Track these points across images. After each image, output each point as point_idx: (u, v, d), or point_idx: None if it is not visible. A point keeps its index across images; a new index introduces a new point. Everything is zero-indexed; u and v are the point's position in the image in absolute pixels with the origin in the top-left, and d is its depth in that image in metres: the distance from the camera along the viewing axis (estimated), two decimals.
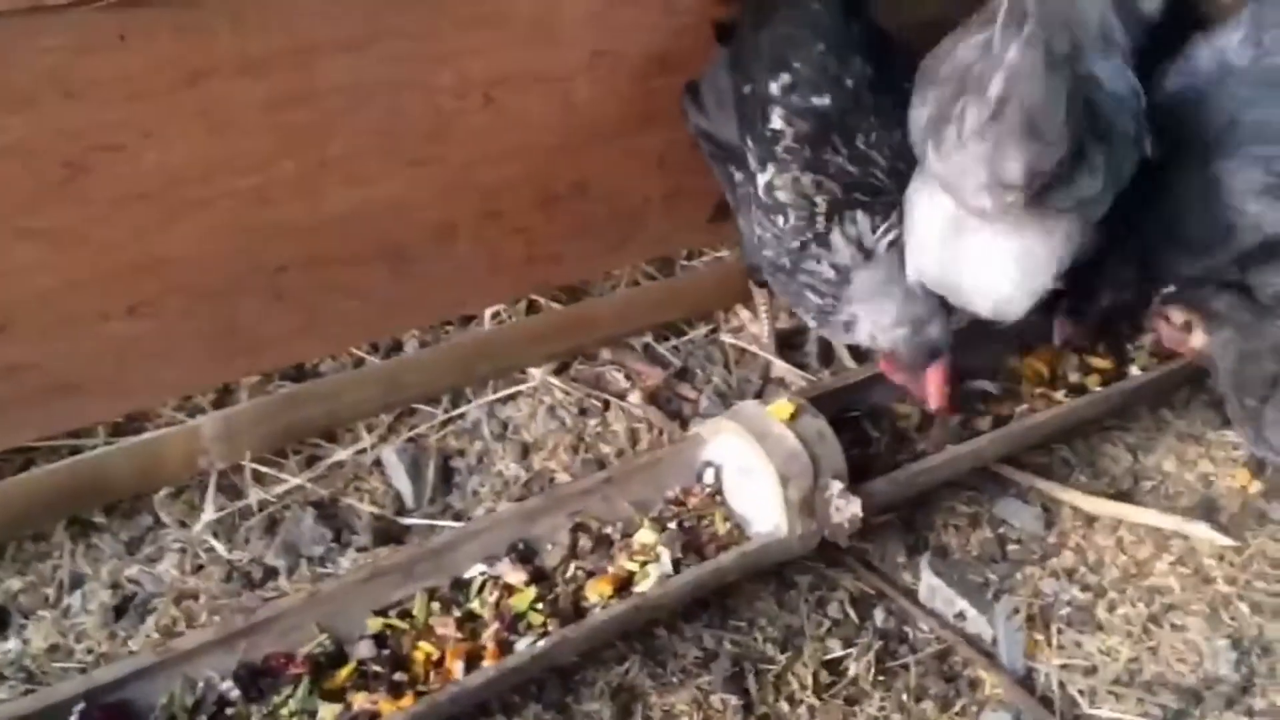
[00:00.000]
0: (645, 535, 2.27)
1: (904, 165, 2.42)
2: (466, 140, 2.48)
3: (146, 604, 2.32)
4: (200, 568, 2.40)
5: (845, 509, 2.22)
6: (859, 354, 2.93)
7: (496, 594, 2.12)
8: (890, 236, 2.41)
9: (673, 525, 2.30)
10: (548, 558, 2.23)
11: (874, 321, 2.43)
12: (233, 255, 2.31)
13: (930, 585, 2.44)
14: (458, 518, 2.61)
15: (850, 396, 2.57)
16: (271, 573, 2.44)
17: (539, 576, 2.19)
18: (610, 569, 2.19)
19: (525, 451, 2.79)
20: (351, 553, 2.49)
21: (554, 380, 2.93)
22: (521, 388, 2.91)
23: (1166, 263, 2.51)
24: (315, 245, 2.40)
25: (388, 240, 2.50)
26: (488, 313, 3.00)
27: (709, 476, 2.39)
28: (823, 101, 2.44)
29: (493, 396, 2.89)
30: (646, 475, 2.32)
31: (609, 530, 2.29)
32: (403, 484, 2.66)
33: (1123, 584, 2.52)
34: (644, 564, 2.20)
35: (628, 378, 2.98)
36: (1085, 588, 2.51)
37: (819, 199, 2.43)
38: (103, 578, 2.37)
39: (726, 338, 3.15)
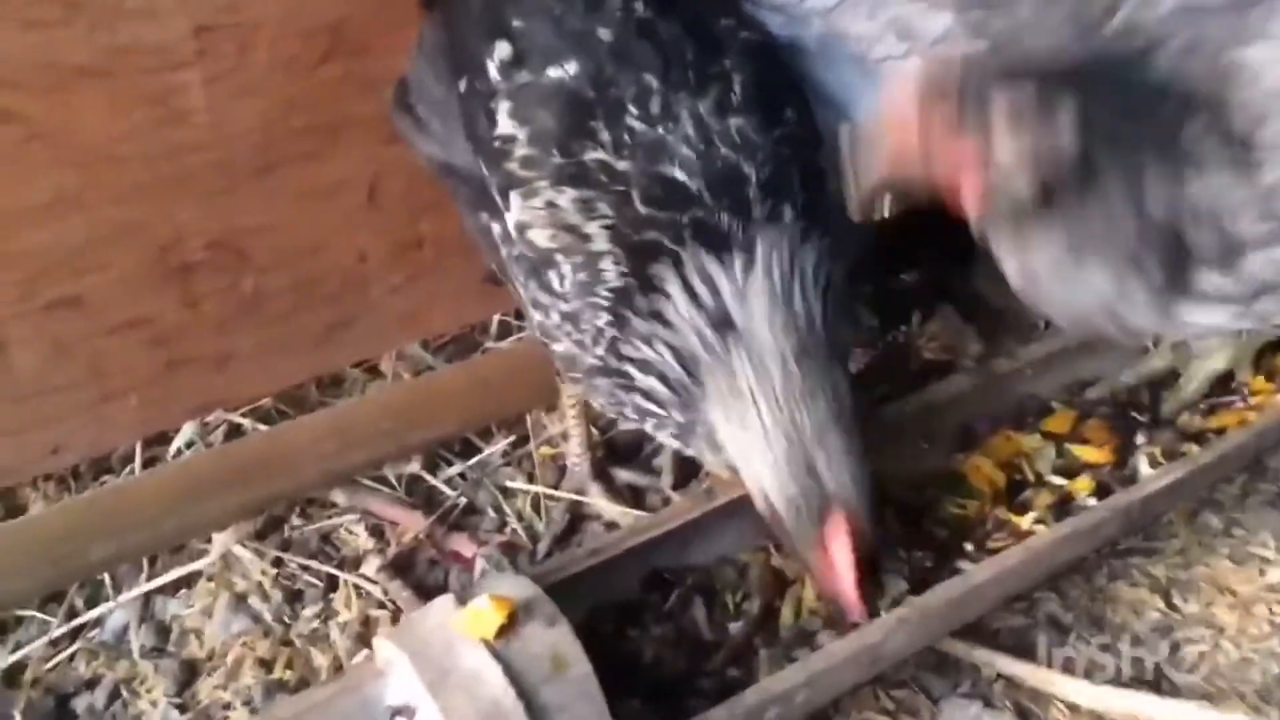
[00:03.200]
0: None
1: (729, 150, 1.42)
2: None
3: None
4: None
5: None
6: None
7: None
8: (758, 283, 1.39)
9: None
10: None
11: (737, 446, 1.40)
12: None
13: None
14: None
15: (656, 556, 1.51)
16: None
17: None
18: None
19: (191, 674, 1.75)
20: None
21: (245, 551, 1.89)
22: (197, 566, 1.88)
23: None
24: None
25: None
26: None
27: None
28: (564, 71, 1.45)
29: (148, 585, 1.85)
30: None
31: None
32: None
33: None
34: None
35: (373, 533, 1.94)
36: None
37: (592, 228, 1.41)
38: None
39: (545, 451, 2.11)
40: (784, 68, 1.61)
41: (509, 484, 2.05)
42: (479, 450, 2.11)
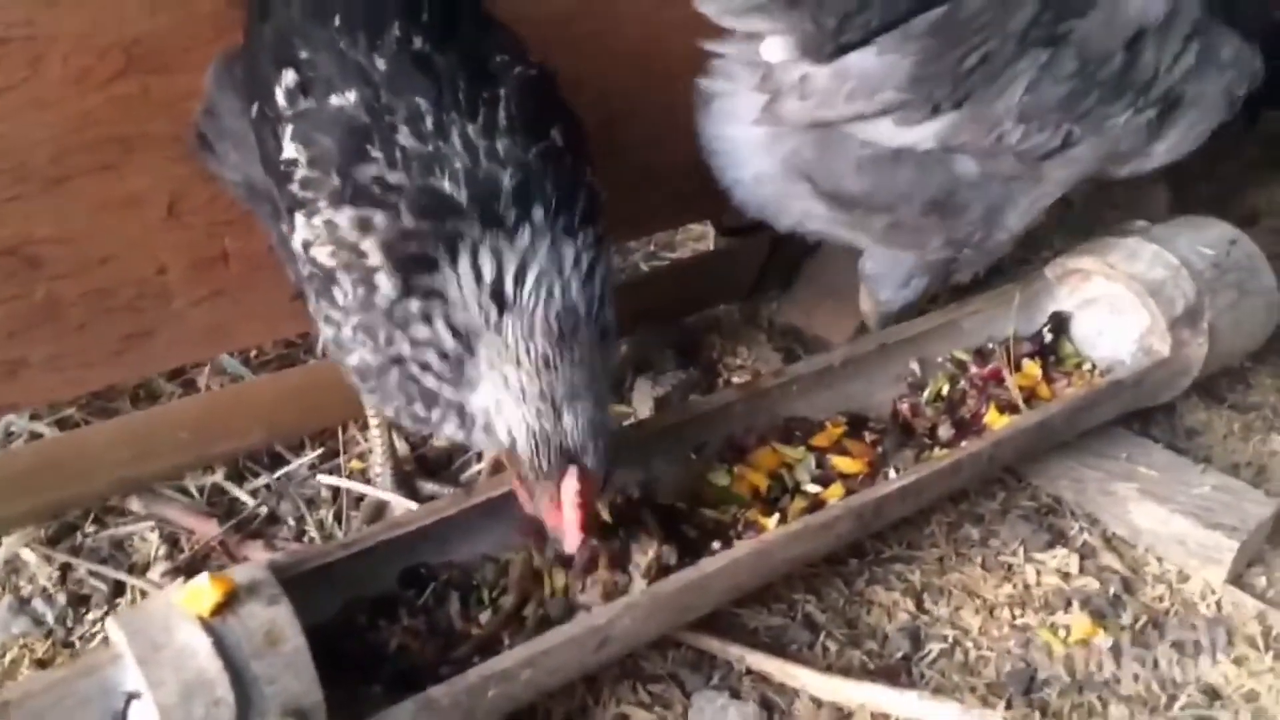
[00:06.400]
0: None
1: (491, 164, 1.54)
2: None
3: None
4: None
5: None
6: None
7: None
8: (533, 276, 1.51)
9: None
10: None
11: (498, 404, 1.50)
12: None
13: None
14: None
15: (417, 552, 1.58)
16: None
17: None
18: None
19: None
20: None
21: (33, 555, 1.91)
22: None
23: None
24: None
25: None
26: None
27: (135, 718, 1.36)
28: (344, 100, 1.55)
29: None
30: None
31: None
32: None
33: None
34: None
35: (168, 540, 1.98)
36: None
37: (367, 244, 1.50)
38: None
39: (355, 465, 2.17)
40: (555, 97, 1.72)
41: (314, 495, 2.10)
42: (287, 462, 2.16)
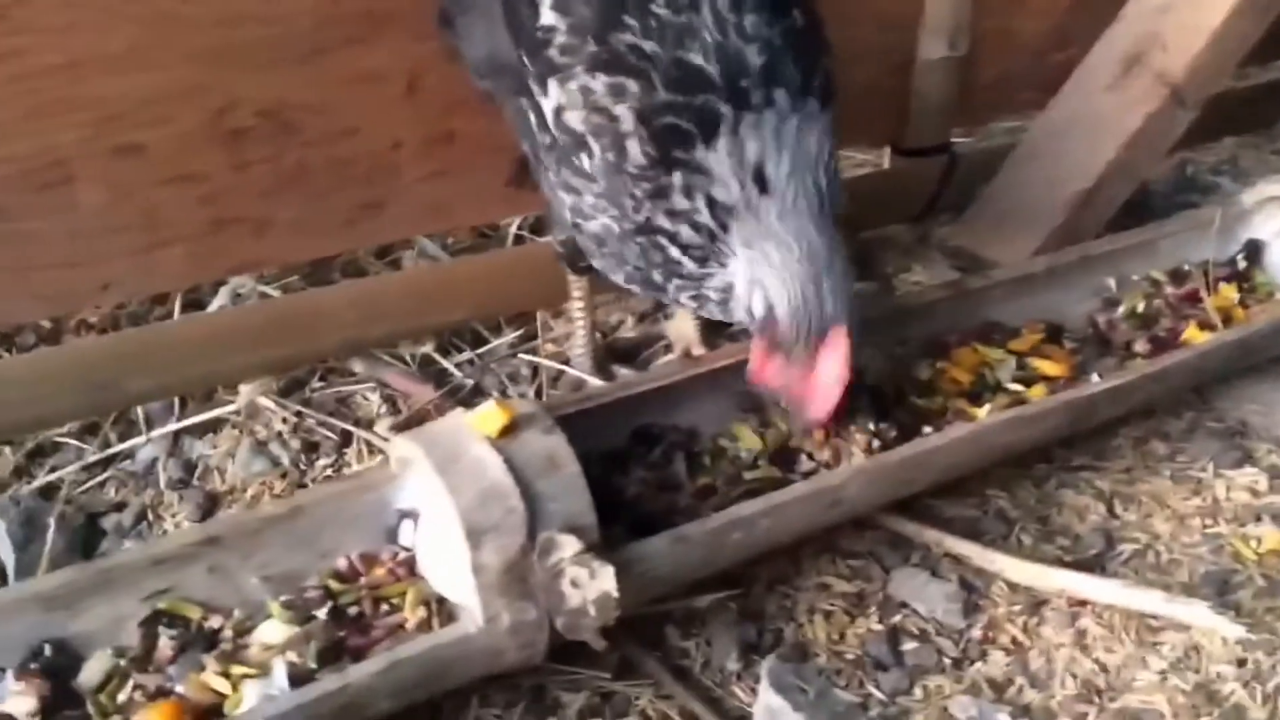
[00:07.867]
0: (272, 631, 1.38)
1: (739, 40, 1.61)
2: (39, 31, 1.64)
3: None
4: None
5: (588, 584, 1.32)
6: None
7: None
8: (789, 161, 1.60)
9: (323, 612, 1.39)
10: (91, 671, 1.33)
11: (751, 279, 1.59)
12: None
13: (770, 708, 1.51)
14: None
15: (649, 410, 1.67)
16: None
17: (64, 704, 1.29)
18: (183, 689, 1.29)
19: (212, 504, 1.92)
20: None
21: (268, 403, 2.06)
22: (223, 412, 2.04)
23: None
24: None
25: None
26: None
27: (405, 534, 1.49)
28: None
29: (176, 425, 2.02)
30: (293, 532, 1.43)
31: (216, 623, 1.39)
32: (5, 554, 1.79)
33: (1082, 707, 1.57)
34: (245, 678, 1.30)
35: (386, 401, 2.11)
36: (1021, 712, 1.57)
37: (620, 110, 1.59)
38: None
39: (549, 349, 2.28)
40: None
41: (514, 372, 2.21)
42: (488, 341, 2.28)
